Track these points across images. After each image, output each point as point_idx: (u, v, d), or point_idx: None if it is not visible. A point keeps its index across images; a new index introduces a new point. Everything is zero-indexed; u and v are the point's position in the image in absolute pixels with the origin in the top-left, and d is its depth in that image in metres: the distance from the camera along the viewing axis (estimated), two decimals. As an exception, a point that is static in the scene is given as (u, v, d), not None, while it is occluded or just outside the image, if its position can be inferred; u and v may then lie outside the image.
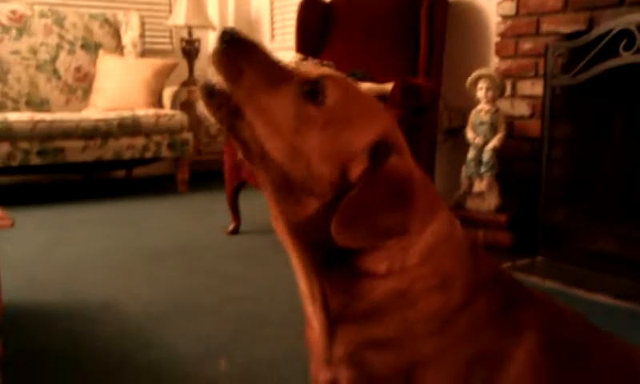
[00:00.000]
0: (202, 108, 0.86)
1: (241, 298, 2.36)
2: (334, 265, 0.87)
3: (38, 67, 4.82)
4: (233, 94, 0.84)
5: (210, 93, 0.86)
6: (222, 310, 2.24)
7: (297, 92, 0.85)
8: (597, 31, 2.68)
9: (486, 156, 3.04)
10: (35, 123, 4.11)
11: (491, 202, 3.05)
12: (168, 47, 5.72)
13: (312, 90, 0.85)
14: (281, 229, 0.90)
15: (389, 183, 0.83)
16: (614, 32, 2.59)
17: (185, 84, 5.20)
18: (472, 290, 0.88)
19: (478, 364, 0.85)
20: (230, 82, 0.85)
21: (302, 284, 0.93)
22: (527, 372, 0.85)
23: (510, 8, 3.19)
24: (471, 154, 3.09)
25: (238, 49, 0.85)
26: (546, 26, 3.05)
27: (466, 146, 3.14)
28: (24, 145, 4.09)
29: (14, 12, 4.79)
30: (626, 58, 2.55)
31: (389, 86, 3.06)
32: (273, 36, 5.53)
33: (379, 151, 0.85)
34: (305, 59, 3.52)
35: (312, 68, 0.89)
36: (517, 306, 0.90)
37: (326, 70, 0.89)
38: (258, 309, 2.25)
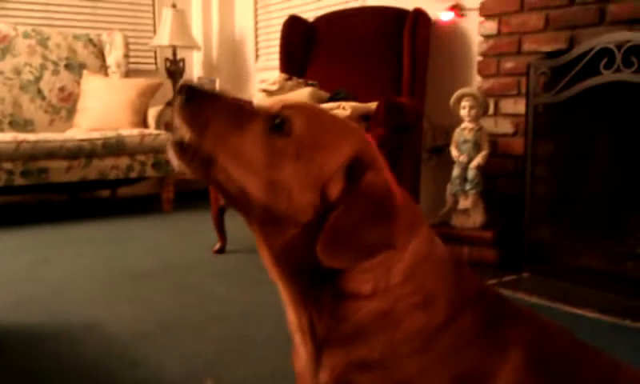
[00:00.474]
0: (175, 162, 0.88)
1: (226, 318, 2.35)
2: (319, 289, 0.88)
3: (22, 87, 4.80)
4: (202, 145, 0.86)
5: (181, 148, 0.88)
6: (208, 330, 2.23)
7: (263, 128, 0.86)
8: (577, 50, 2.73)
9: (470, 174, 3.06)
10: (19, 143, 4.09)
11: (476, 218, 3.07)
12: (152, 67, 5.73)
13: (277, 124, 0.86)
14: (267, 258, 0.91)
15: (368, 199, 0.84)
16: (594, 51, 2.64)
17: (169, 104, 5.20)
18: (455, 307, 0.88)
19: (462, 383, 0.85)
20: (196, 133, 0.86)
21: (290, 313, 0.94)
22: None
23: (491, 28, 3.24)
24: (456, 171, 3.11)
25: (200, 100, 0.87)
26: (527, 45, 3.09)
27: (450, 163, 3.17)
28: (7, 165, 4.06)
29: (-3, 32, 4.79)
30: (607, 76, 2.60)
31: (373, 105, 3.08)
32: (257, 56, 5.55)
33: (354, 169, 0.86)
34: (289, 79, 3.54)
35: (275, 102, 0.90)
36: (502, 322, 0.90)
37: (288, 101, 0.91)
38: (243, 328, 2.24)
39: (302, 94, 3.32)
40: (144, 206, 4.99)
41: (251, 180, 0.85)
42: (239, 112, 0.88)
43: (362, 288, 0.86)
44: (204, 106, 0.87)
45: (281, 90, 3.43)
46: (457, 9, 3.59)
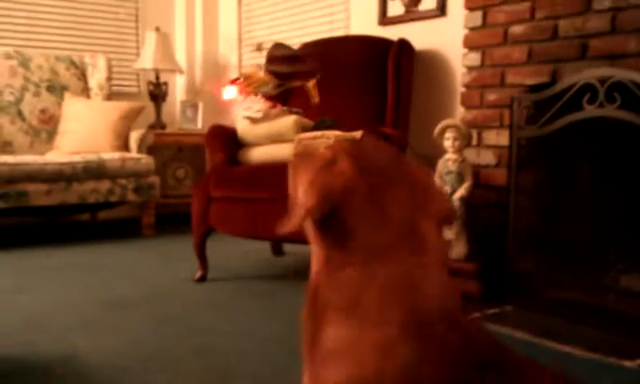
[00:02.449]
0: None
1: (208, 350, 2.32)
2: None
3: (2, 109, 4.76)
4: None
5: None
6: (189, 363, 2.20)
7: None
8: (561, 85, 2.76)
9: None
10: (-2, 166, 4.04)
11: (459, 250, 3.07)
12: (135, 90, 5.70)
13: None
14: None
15: None
16: (577, 86, 2.67)
17: (152, 127, 5.18)
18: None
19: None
20: None
21: None
22: None
23: (474, 59, 3.26)
24: (439, 202, 3.10)
25: None
26: (510, 78, 3.11)
27: (433, 194, 3.16)
28: (-14, 188, 4.01)
29: (-22, 53, 4.75)
30: (589, 111, 2.62)
31: (357, 135, 3.08)
32: (241, 80, 5.54)
33: None
34: (273, 106, 3.53)
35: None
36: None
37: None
38: (225, 361, 2.21)
39: (287, 122, 3.31)
40: (124, 229, 4.94)
41: None
42: None
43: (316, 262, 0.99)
44: None
45: (265, 117, 3.42)
46: (243, 83, 3.42)
